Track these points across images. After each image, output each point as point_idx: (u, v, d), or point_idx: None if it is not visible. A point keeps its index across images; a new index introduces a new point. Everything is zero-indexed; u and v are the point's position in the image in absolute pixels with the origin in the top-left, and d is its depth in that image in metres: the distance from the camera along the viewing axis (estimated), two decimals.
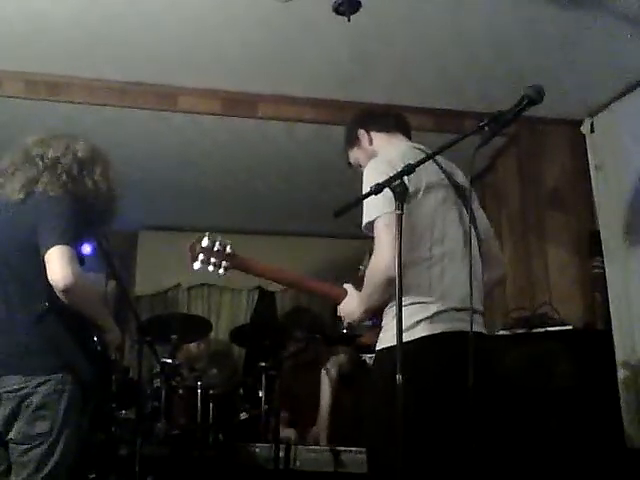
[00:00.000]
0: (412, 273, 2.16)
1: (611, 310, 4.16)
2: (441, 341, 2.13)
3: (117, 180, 2.69)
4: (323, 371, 4.20)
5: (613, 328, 4.10)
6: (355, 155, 2.63)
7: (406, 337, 2.03)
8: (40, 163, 2.52)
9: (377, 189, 1.96)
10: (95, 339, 2.53)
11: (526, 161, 4.81)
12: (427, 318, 2.13)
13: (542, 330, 3.87)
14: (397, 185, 1.92)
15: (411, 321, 2.13)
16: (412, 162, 2.06)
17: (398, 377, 1.80)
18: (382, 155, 2.38)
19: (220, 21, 3.58)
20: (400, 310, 1.85)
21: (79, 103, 4.21)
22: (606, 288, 4.22)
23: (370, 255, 2.31)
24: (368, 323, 2.40)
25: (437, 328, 2.13)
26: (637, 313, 3.96)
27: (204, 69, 4.09)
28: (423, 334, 2.11)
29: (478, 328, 2.27)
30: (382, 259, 2.13)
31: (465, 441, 2.06)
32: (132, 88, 4.24)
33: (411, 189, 2.16)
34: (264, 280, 6.97)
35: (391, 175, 1.98)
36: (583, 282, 4.47)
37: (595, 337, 4.12)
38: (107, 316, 2.61)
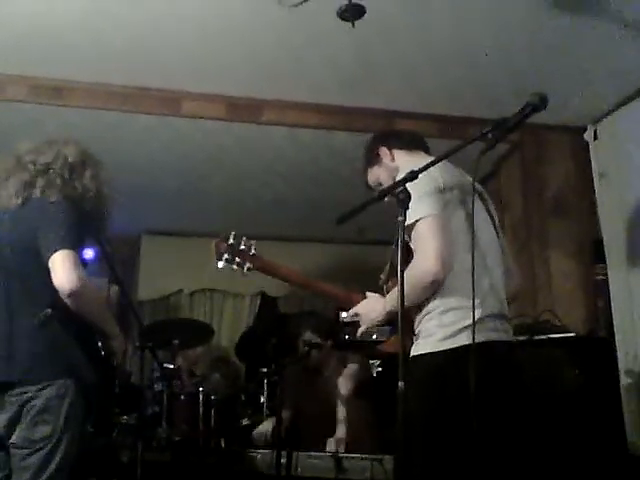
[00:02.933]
0: (451, 277, 2.17)
1: (614, 317, 4.16)
2: (482, 350, 2.07)
3: (109, 182, 2.69)
4: (338, 384, 4.22)
5: (616, 335, 4.09)
6: (376, 173, 2.62)
7: (450, 344, 2.10)
8: (32, 168, 2.53)
9: (380, 195, 1.97)
10: (99, 344, 2.53)
11: (529, 168, 4.80)
12: (468, 327, 2.09)
13: (544, 337, 3.86)
14: (400, 192, 1.92)
15: (455, 328, 2.14)
16: (442, 181, 2.15)
17: (400, 384, 1.79)
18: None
19: (224, 27, 3.59)
20: (400, 316, 1.84)
21: (83, 108, 4.22)
22: (609, 295, 4.22)
23: (392, 263, 2.31)
24: (385, 328, 2.39)
25: (479, 337, 2.06)
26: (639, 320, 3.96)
27: (208, 74, 4.09)
28: (467, 342, 2.09)
29: (508, 336, 2.31)
30: (428, 260, 2.13)
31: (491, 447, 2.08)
32: (136, 93, 4.24)
33: (447, 195, 2.21)
34: (266, 285, 7.12)
35: (438, 185, 2.07)
36: (586, 289, 4.46)
37: (597, 344, 4.10)
38: (112, 322, 2.60)
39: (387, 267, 2.46)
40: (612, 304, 4.19)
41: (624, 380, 3.95)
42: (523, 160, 4.86)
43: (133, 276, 6.97)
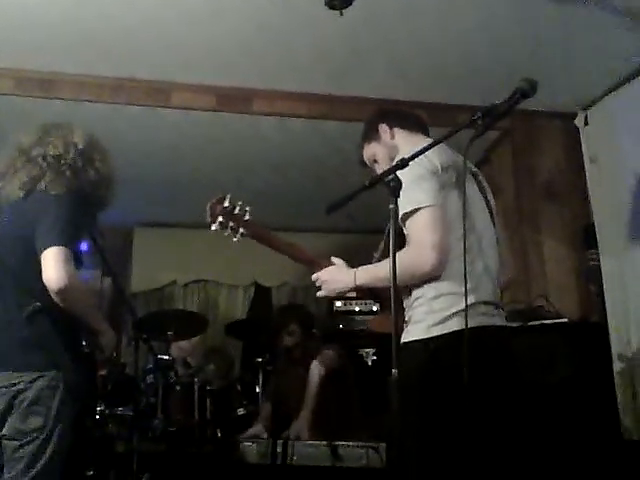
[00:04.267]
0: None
1: (606, 302, 4.17)
2: (473, 336, 2.05)
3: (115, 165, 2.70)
4: (312, 366, 4.19)
5: (608, 320, 4.11)
6: (373, 150, 2.60)
7: (440, 330, 2.09)
8: (43, 164, 2.51)
9: (371, 183, 1.96)
10: (84, 342, 2.53)
11: (520, 154, 4.81)
12: (462, 311, 2.07)
13: (537, 323, 3.87)
14: (391, 180, 1.91)
15: (445, 313, 2.13)
16: (440, 159, 2.12)
17: (394, 372, 1.80)
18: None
19: (213, 16, 3.57)
20: (396, 308, 1.84)
21: (71, 100, 4.20)
22: (601, 280, 4.23)
23: (386, 245, 2.29)
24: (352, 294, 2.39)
25: (470, 322, 2.05)
26: (632, 305, 3.97)
27: (197, 65, 4.07)
28: (457, 328, 2.09)
29: (501, 322, 2.29)
30: (427, 253, 2.11)
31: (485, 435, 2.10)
32: (125, 84, 4.22)
33: (443, 177, 2.19)
34: (260, 276, 7.12)
35: (435, 167, 2.07)
36: (578, 274, 4.47)
37: (590, 330, 4.12)
38: (100, 319, 2.60)
39: (381, 245, 2.45)
40: (605, 289, 4.20)
41: (617, 365, 3.97)
42: (514, 146, 4.86)
43: (126, 268, 6.97)
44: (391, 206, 1.90)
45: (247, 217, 2.40)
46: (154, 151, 5.17)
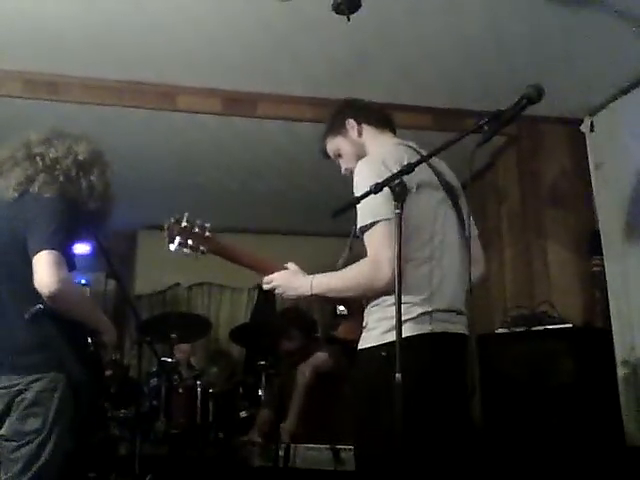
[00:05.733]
0: (402, 271, 2.13)
1: (610, 308, 4.16)
2: (424, 342, 2.08)
3: (113, 182, 2.69)
4: (299, 368, 4.18)
5: (612, 326, 4.10)
6: (337, 144, 2.54)
7: (389, 337, 2.03)
8: (40, 163, 2.52)
9: (377, 188, 1.94)
10: (89, 341, 2.53)
11: (526, 160, 4.80)
12: (411, 319, 2.08)
13: (542, 328, 3.87)
14: (397, 185, 1.91)
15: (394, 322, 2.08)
16: (407, 161, 2.05)
17: (397, 376, 1.80)
18: (374, 155, 2.32)
19: (219, 21, 3.58)
20: (400, 311, 1.84)
21: (78, 103, 4.21)
22: (606, 286, 4.23)
23: (350, 249, 2.29)
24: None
25: (421, 329, 2.08)
26: (636, 311, 3.96)
27: (203, 68, 4.08)
28: (410, 334, 2.04)
29: (462, 329, 2.25)
30: (382, 269, 2.08)
31: (455, 439, 2.10)
32: (131, 87, 4.23)
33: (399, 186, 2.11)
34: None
35: (386, 176, 1.96)
36: (583, 280, 4.47)
37: (594, 335, 4.12)
38: (101, 317, 2.59)
39: (345, 253, 2.42)
40: (609, 295, 4.20)
41: (621, 371, 3.96)
42: (520, 152, 4.86)
43: (131, 271, 6.98)
44: (396, 211, 1.90)
45: (207, 234, 2.37)
46: (159, 154, 5.19)
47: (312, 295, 2.26)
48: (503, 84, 3.99)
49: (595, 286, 4.39)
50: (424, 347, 2.09)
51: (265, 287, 2.38)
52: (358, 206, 2.13)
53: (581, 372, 3.70)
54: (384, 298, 2.15)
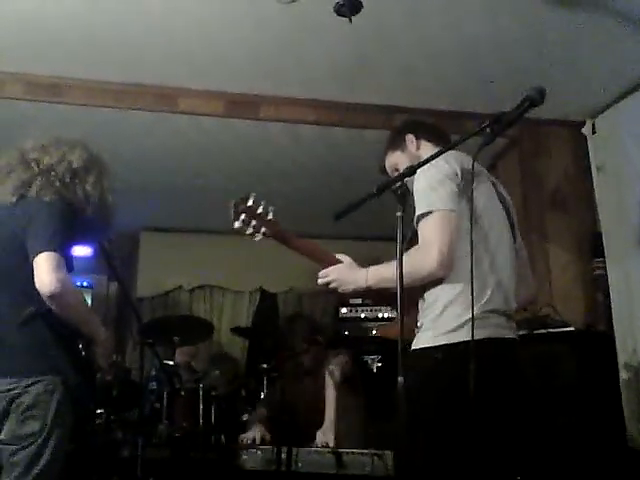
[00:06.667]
0: (458, 268, 2.15)
1: (613, 311, 4.16)
2: (483, 347, 2.02)
3: (112, 188, 2.69)
4: (327, 372, 4.16)
5: (615, 329, 4.10)
6: (396, 159, 2.62)
7: (447, 339, 2.08)
8: (36, 168, 2.53)
9: (379, 190, 1.96)
10: (80, 346, 2.52)
11: (528, 162, 4.80)
12: (470, 320, 2.02)
13: (544, 332, 3.86)
14: (399, 187, 1.92)
15: (455, 323, 2.12)
16: (459, 168, 2.18)
17: (400, 379, 1.79)
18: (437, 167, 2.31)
19: (221, 23, 3.58)
20: (402, 311, 1.84)
21: (79, 105, 4.21)
22: (608, 289, 4.22)
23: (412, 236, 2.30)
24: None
25: (481, 334, 2.03)
26: (639, 314, 3.95)
27: (205, 71, 4.09)
28: (464, 338, 2.05)
29: (511, 334, 2.28)
30: (429, 257, 2.12)
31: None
32: (133, 90, 4.23)
33: (461, 184, 2.20)
34: (266, 281, 7.12)
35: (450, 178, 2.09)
36: (585, 283, 4.46)
37: (597, 338, 4.11)
38: (97, 326, 2.59)
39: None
40: (611, 298, 4.19)
41: (623, 374, 3.96)
42: (521, 154, 4.85)
43: (132, 273, 6.97)
44: (398, 213, 1.90)
45: (270, 217, 2.38)
46: (161, 156, 5.18)
47: (367, 287, 2.29)
48: (504, 87, 3.99)
49: (597, 289, 4.38)
50: (482, 353, 1.97)
51: (320, 282, 2.41)
52: (416, 198, 2.20)
53: (583, 375, 3.70)
54: (440, 298, 2.18)
